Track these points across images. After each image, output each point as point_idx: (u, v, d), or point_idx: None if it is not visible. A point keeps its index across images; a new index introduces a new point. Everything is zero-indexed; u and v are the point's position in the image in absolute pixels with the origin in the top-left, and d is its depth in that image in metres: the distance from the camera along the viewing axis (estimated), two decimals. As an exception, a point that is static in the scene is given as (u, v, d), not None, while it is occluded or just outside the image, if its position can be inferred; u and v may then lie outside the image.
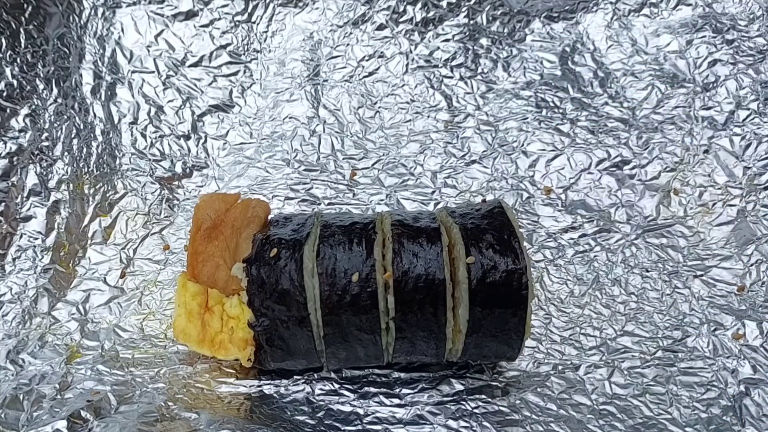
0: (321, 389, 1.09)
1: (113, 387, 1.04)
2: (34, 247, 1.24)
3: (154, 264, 1.29)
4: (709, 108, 1.47)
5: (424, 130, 1.50)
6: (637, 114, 1.49)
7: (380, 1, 1.59)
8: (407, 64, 1.58)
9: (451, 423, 1.05)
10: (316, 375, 1.11)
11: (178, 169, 1.43)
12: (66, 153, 1.34)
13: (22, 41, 1.34)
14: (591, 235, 1.33)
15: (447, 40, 1.60)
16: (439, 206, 1.37)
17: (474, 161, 1.45)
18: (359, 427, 1.04)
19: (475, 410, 1.06)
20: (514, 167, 1.43)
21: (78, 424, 0.96)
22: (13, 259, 1.22)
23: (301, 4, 1.60)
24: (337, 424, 1.04)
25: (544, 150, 1.45)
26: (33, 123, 1.31)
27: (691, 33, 1.58)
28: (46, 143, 1.32)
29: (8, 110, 1.29)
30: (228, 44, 1.55)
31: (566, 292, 1.24)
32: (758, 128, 1.43)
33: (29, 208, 1.27)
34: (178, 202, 1.39)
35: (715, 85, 1.50)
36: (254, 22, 1.58)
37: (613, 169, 1.42)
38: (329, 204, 1.38)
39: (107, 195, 1.36)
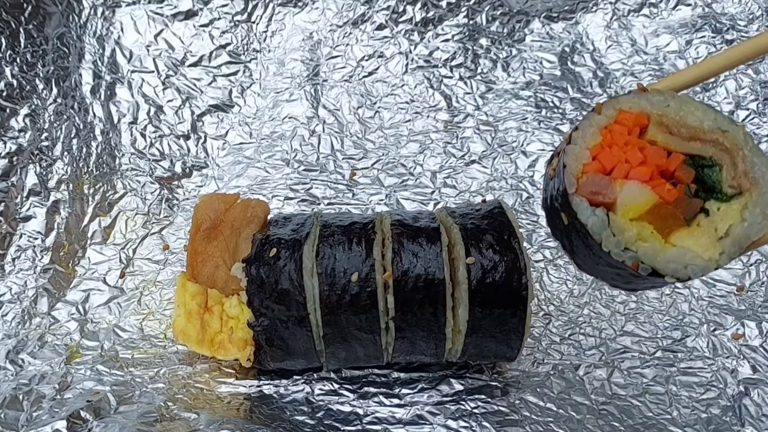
0: (320, 389, 1.09)
1: (113, 387, 1.04)
2: (34, 247, 1.24)
3: (154, 264, 1.28)
4: (709, 108, 1.47)
5: (423, 130, 1.50)
6: (637, 114, 1.49)
7: (380, 1, 1.59)
8: (407, 64, 1.58)
9: (451, 423, 1.04)
10: (315, 375, 1.10)
11: (178, 169, 1.43)
12: (66, 153, 1.34)
13: (22, 41, 1.34)
14: (590, 235, 1.33)
15: (446, 40, 1.60)
16: (439, 206, 1.37)
17: (473, 161, 1.45)
18: (359, 427, 1.04)
19: (475, 410, 1.06)
20: (514, 167, 1.43)
21: (78, 425, 0.95)
22: (13, 259, 1.22)
23: (300, 3, 1.60)
24: (336, 424, 1.04)
25: (543, 150, 1.45)
26: (33, 123, 1.31)
27: (690, 33, 1.58)
28: (45, 143, 1.32)
29: (8, 110, 1.29)
30: (228, 44, 1.55)
31: (566, 292, 1.24)
32: (758, 128, 1.43)
33: (29, 208, 1.26)
34: (177, 202, 1.39)
35: (714, 85, 1.50)
36: (254, 22, 1.58)
37: (613, 169, 1.41)
38: (329, 204, 1.38)
39: (107, 195, 1.36)
